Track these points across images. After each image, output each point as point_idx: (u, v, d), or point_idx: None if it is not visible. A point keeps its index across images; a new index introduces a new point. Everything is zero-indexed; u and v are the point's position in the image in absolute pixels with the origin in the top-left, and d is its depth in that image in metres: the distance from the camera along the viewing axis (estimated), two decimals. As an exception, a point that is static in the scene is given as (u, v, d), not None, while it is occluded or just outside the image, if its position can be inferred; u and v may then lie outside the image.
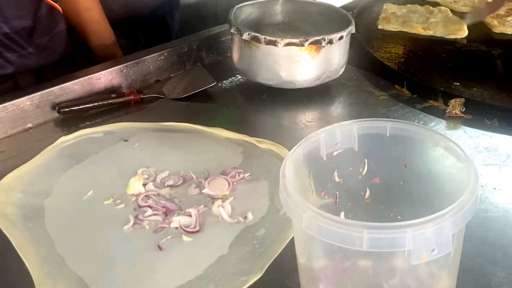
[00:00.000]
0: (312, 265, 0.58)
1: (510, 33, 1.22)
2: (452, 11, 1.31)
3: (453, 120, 0.93)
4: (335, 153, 0.64)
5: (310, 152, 0.61)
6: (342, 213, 0.65)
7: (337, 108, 1.01)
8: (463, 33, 1.20)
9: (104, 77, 0.98)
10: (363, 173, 0.65)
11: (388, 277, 0.56)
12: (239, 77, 1.06)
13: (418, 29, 1.23)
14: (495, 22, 1.25)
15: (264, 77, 0.99)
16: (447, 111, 0.94)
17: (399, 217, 0.65)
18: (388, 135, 0.63)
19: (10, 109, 0.88)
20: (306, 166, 0.61)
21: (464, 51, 1.16)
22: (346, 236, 0.49)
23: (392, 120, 0.63)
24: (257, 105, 1.00)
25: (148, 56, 1.03)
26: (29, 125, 0.90)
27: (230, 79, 1.06)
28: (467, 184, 0.53)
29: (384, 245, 0.49)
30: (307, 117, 0.97)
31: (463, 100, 0.94)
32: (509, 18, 1.27)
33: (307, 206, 0.52)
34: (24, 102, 0.89)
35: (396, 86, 1.03)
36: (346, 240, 0.49)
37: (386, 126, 0.63)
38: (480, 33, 1.23)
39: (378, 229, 0.49)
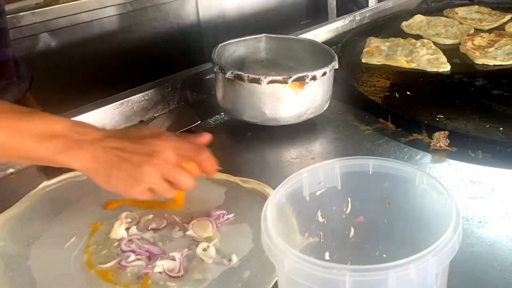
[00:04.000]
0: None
1: (491, 64, 1.24)
2: (434, 43, 1.33)
3: (438, 153, 0.93)
4: (318, 193, 0.63)
5: (293, 193, 0.61)
6: (327, 253, 0.65)
7: (322, 144, 1.01)
8: (446, 65, 1.22)
9: (88, 119, 0.97)
10: (347, 212, 0.65)
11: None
12: (224, 115, 1.06)
13: (402, 62, 1.24)
14: (477, 54, 1.26)
15: (249, 115, 0.99)
16: (431, 144, 0.95)
17: (384, 255, 0.64)
18: (370, 172, 0.63)
19: (-9, 155, 0.87)
20: (289, 206, 0.61)
21: (447, 83, 1.17)
22: (329, 280, 0.49)
23: (374, 157, 0.63)
24: (242, 143, 1.00)
25: (132, 97, 1.04)
26: (11, 170, 0.90)
27: (214, 117, 1.06)
28: (450, 221, 0.53)
29: (368, 287, 0.48)
30: (292, 154, 0.97)
31: (447, 132, 0.95)
32: (490, 49, 1.29)
33: (288, 250, 0.51)
34: (6, 147, 0.88)
35: (381, 120, 1.04)
36: (329, 284, 0.49)
37: (369, 163, 0.63)
38: (463, 64, 1.25)
39: (361, 271, 0.48)
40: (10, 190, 0.85)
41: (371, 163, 0.63)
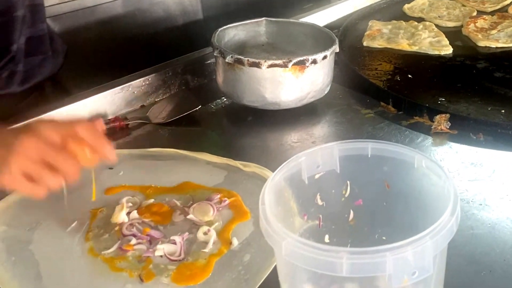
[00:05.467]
0: (298, 291, 0.58)
1: (494, 46, 1.23)
2: (437, 26, 1.32)
3: (439, 136, 0.93)
4: (316, 176, 0.63)
5: (291, 176, 0.61)
6: (327, 236, 0.65)
7: (323, 128, 1.01)
8: (448, 48, 1.21)
9: (89, 104, 0.98)
10: (346, 195, 0.65)
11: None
12: (225, 99, 1.06)
13: (404, 45, 1.23)
14: (479, 36, 1.26)
15: (249, 99, 0.99)
16: (432, 127, 0.94)
17: (384, 238, 0.65)
18: (369, 155, 0.63)
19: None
20: (288, 190, 0.61)
21: (449, 66, 1.17)
22: (326, 262, 0.49)
23: (373, 141, 0.63)
24: (243, 127, 1.00)
25: (132, 82, 1.03)
26: (12, 156, 0.90)
27: (215, 102, 1.06)
28: (447, 203, 0.53)
29: (365, 270, 0.49)
30: (293, 138, 0.97)
31: (448, 115, 0.94)
32: (493, 32, 1.28)
33: (286, 234, 0.51)
34: (8, 133, 0.89)
35: (382, 103, 1.04)
36: (326, 267, 0.49)
37: (367, 147, 0.63)
38: (465, 47, 1.24)
39: (358, 254, 0.48)
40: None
41: (370, 146, 0.63)
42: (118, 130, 0.97)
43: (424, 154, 0.60)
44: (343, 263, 0.48)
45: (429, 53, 1.21)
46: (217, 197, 0.78)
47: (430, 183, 0.59)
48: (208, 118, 1.02)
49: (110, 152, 0.68)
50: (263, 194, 0.57)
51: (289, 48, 1.12)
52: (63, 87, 1.14)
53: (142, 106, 1.05)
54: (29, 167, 0.64)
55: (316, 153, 0.63)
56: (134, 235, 0.71)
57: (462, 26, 1.33)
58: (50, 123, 0.67)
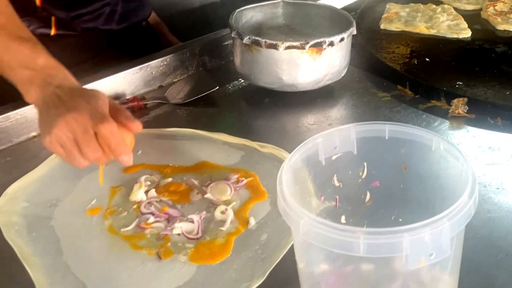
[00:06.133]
0: (313, 271, 0.59)
1: (513, 30, 1.22)
2: (455, 9, 1.31)
3: (456, 119, 0.93)
4: (334, 157, 0.64)
5: (308, 157, 0.62)
6: (343, 217, 0.66)
7: (339, 110, 1.01)
8: (467, 32, 1.20)
9: (107, 84, 0.99)
10: (363, 177, 0.65)
11: (390, 281, 0.56)
12: (242, 81, 1.06)
13: (421, 28, 1.22)
14: (498, 20, 1.24)
15: (266, 81, 0.99)
16: (450, 111, 0.94)
17: (400, 219, 0.65)
18: (386, 137, 0.63)
19: (14, 118, 0.89)
20: (305, 171, 0.62)
21: (468, 50, 1.16)
22: (343, 242, 0.49)
23: (390, 123, 0.63)
24: (260, 109, 1.00)
25: (150, 62, 1.04)
26: (33, 133, 0.91)
27: (232, 83, 1.06)
28: (465, 185, 0.53)
29: (382, 250, 0.49)
30: (309, 120, 0.97)
31: (466, 99, 0.94)
32: (512, 15, 1.26)
33: (304, 213, 0.52)
34: (27, 111, 0.90)
35: (399, 87, 1.03)
36: (344, 246, 0.49)
37: (385, 129, 0.63)
38: (484, 31, 1.23)
39: (375, 234, 0.49)
40: (32, 153, 0.87)
41: (387, 128, 0.63)
42: (136, 109, 0.97)
43: (442, 136, 0.61)
44: (360, 243, 0.49)
45: (447, 36, 1.20)
46: (234, 177, 0.79)
47: (447, 166, 0.60)
48: (225, 99, 1.02)
49: (127, 161, 0.72)
50: (281, 174, 0.57)
51: (306, 30, 1.11)
52: None
53: (160, 87, 1.06)
54: (66, 139, 0.70)
55: (333, 134, 0.63)
56: (152, 213, 0.73)
57: (481, 9, 1.32)
58: (102, 103, 0.72)
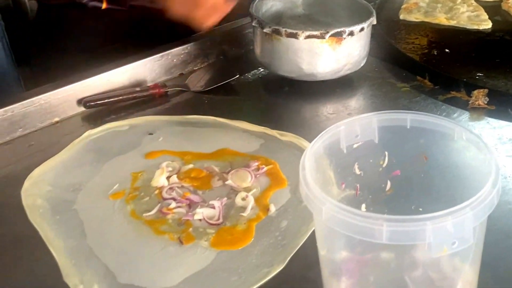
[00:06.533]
0: (334, 257, 0.59)
1: (535, 22, 1.21)
2: (476, 0, 1.30)
3: (476, 111, 0.93)
4: (355, 146, 0.64)
5: (330, 145, 0.62)
6: (363, 205, 0.66)
7: (358, 100, 1.02)
8: (487, 23, 1.19)
9: (129, 71, 1.00)
10: (384, 166, 0.65)
11: (410, 269, 0.56)
12: (261, 70, 1.06)
13: (441, 19, 1.22)
14: (520, 11, 1.23)
15: (286, 70, 0.99)
16: (470, 102, 0.94)
17: (420, 209, 0.65)
18: (408, 127, 0.63)
19: (38, 104, 0.90)
20: (326, 158, 0.62)
21: (488, 41, 1.15)
22: (366, 228, 0.50)
23: (412, 112, 0.63)
24: (279, 97, 1.00)
25: (171, 50, 1.04)
26: (56, 119, 0.92)
27: (252, 72, 1.06)
28: (488, 176, 0.53)
29: (404, 238, 0.49)
30: (328, 109, 0.98)
31: (486, 90, 0.94)
32: (534, 7, 1.25)
33: (326, 199, 0.52)
34: (51, 96, 0.91)
35: (418, 78, 1.03)
36: (366, 233, 0.50)
37: (406, 118, 0.63)
38: (504, 22, 1.22)
39: (398, 222, 0.49)
40: (55, 138, 0.88)
41: (409, 118, 0.63)
42: (157, 97, 0.98)
43: (464, 126, 0.61)
44: (383, 230, 0.49)
45: (467, 27, 1.19)
46: (255, 164, 0.79)
47: (469, 156, 0.60)
48: (245, 87, 1.03)
49: None
50: (304, 160, 0.58)
51: (325, 19, 1.11)
52: None
53: (181, 74, 1.06)
54: None
55: (355, 122, 0.63)
56: (174, 199, 0.73)
57: (501, 0, 1.31)
58: None
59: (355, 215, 0.50)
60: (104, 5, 1.15)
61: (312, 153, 0.59)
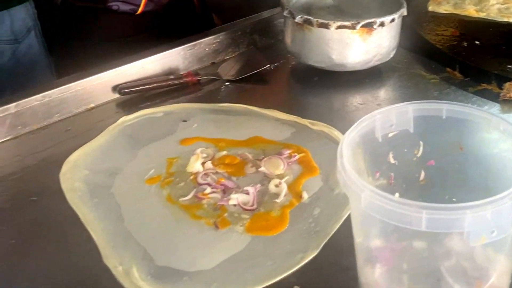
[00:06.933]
0: (369, 245, 0.60)
1: None
2: (506, -8, 1.29)
3: (507, 103, 0.93)
4: (390, 135, 0.64)
5: (365, 134, 0.62)
6: (397, 194, 0.66)
7: (387, 91, 1.02)
8: (518, 15, 1.19)
9: (162, 59, 1.01)
10: (418, 155, 0.66)
11: (444, 258, 0.57)
12: (292, 59, 1.07)
13: (471, 11, 1.21)
14: (551, 4, 1.22)
15: (316, 60, 1.00)
16: (501, 95, 0.94)
17: (454, 199, 0.65)
18: (444, 117, 0.63)
19: (74, 90, 0.92)
20: (361, 147, 0.63)
21: (519, 34, 1.14)
22: (405, 216, 0.50)
23: (448, 102, 0.63)
24: (309, 87, 1.01)
25: (204, 39, 1.06)
26: (92, 105, 0.95)
27: (282, 61, 1.07)
28: (526, 167, 0.53)
29: (443, 226, 0.49)
30: (357, 100, 0.98)
31: (517, 83, 0.94)
32: None
33: (365, 186, 0.53)
34: (87, 83, 0.93)
35: (448, 69, 1.03)
36: (405, 220, 0.50)
37: (442, 108, 0.63)
38: (535, 15, 1.21)
39: (438, 210, 0.49)
40: (91, 123, 0.90)
41: (445, 108, 0.63)
42: (190, 85, 1.00)
43: (501, 117, 0.61)
44: (422, 218, 0.49)
45: (497, 20, 1.19)
46: (287, 152, 0.80)
47: (505, 147, 0.60)
48: (275, 77, 1.04)
49: None
50: (341, 147, 0.58)
51: (354, 11, 1.11)
52: None
53: (213, 63, 1.08)
54: None
55: (390, 112, 0.64)
56: (209, 184, 0.75)
57: (532, -7, 1.30)
58: None
59: (395, 202, 0.51)
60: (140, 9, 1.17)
61: (349, 141, 0.60)
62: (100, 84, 0.95)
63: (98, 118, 0.92)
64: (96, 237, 0.69)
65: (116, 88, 0.96)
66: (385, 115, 0.64)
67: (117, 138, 0.86)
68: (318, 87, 1.01)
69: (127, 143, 0.84)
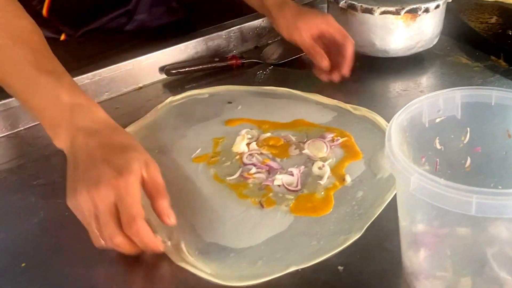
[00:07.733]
0: (414, 229, 0.61)
1: None
2: (552, -19, 1.27)
3: (552, 92, 0.92)
4: (437, 120, 0.64)
5: (412, 118, 0.62)
6: (442, 180, 0.67)
7: (429, 78, 1.02)
8: None
9: (208, 42, 1.04)
10: (465, 142, 0.66)
11: (486, 246, 0.57)
12: (334, 44, 1.08)
13: (515, -1, 1.20)
14: None
15: (359, 45, 1.00)
16: (546, 84, 0.93)
17: (499, 187, 0.65)
18: (493, 104, 0.63)
19: (123, 69, 0.95)
20: (407, 132, 0.63)
21: None
22: (455, 200, 0.50)
23: (497, 88, 0.63)
24: (351, 73, 1.01)
25: (247, 23, 1.08)
26: (140, 85, 0.97)
27: (324, 46, 1.08)
28: None
29: (493, 211, 0.50)
30: (399, 86, 0.98)
31: None
32: None
33: (415, 169, 0.53)
34: (136, 63, 0.96)
35: (492, 57, 1.03)
36: (455, 204, 0.50)
37: (491, 94, 0.63)
38: None
39: (488, 194, 0.49)
40: (139, 103, 0.93)
41: (493, 94, 0.63)
42: (234, 67, 1.02)
43: (552, 105, 0.60)
44: (473, 202, 0.49)
45: (543, 8, 1.17)
46: (330, 135, 0.81)
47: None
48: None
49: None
50: (389, 131, 0.58)
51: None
52: None
53: (256, 47, 1.09)
54: (87, 212, 0.61)
55: (437, 97, 0.64)
56: (254, 165, 0.76)
57: None
58: (134, 178, 0.61)
59: (444, 186, 0.51)
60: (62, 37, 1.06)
61: (397, 125, 0.60)
62: (148, 65, 0.97)
63: (146, 97, 0.94)
64: (146, 212, 0.70)
65: (163, 69, 0.98)
66: (432, 100, 0.64)
67: (165, 117, 0.88)
68: (360, 72, 1.01)
69: (175, 122, 0.86)
